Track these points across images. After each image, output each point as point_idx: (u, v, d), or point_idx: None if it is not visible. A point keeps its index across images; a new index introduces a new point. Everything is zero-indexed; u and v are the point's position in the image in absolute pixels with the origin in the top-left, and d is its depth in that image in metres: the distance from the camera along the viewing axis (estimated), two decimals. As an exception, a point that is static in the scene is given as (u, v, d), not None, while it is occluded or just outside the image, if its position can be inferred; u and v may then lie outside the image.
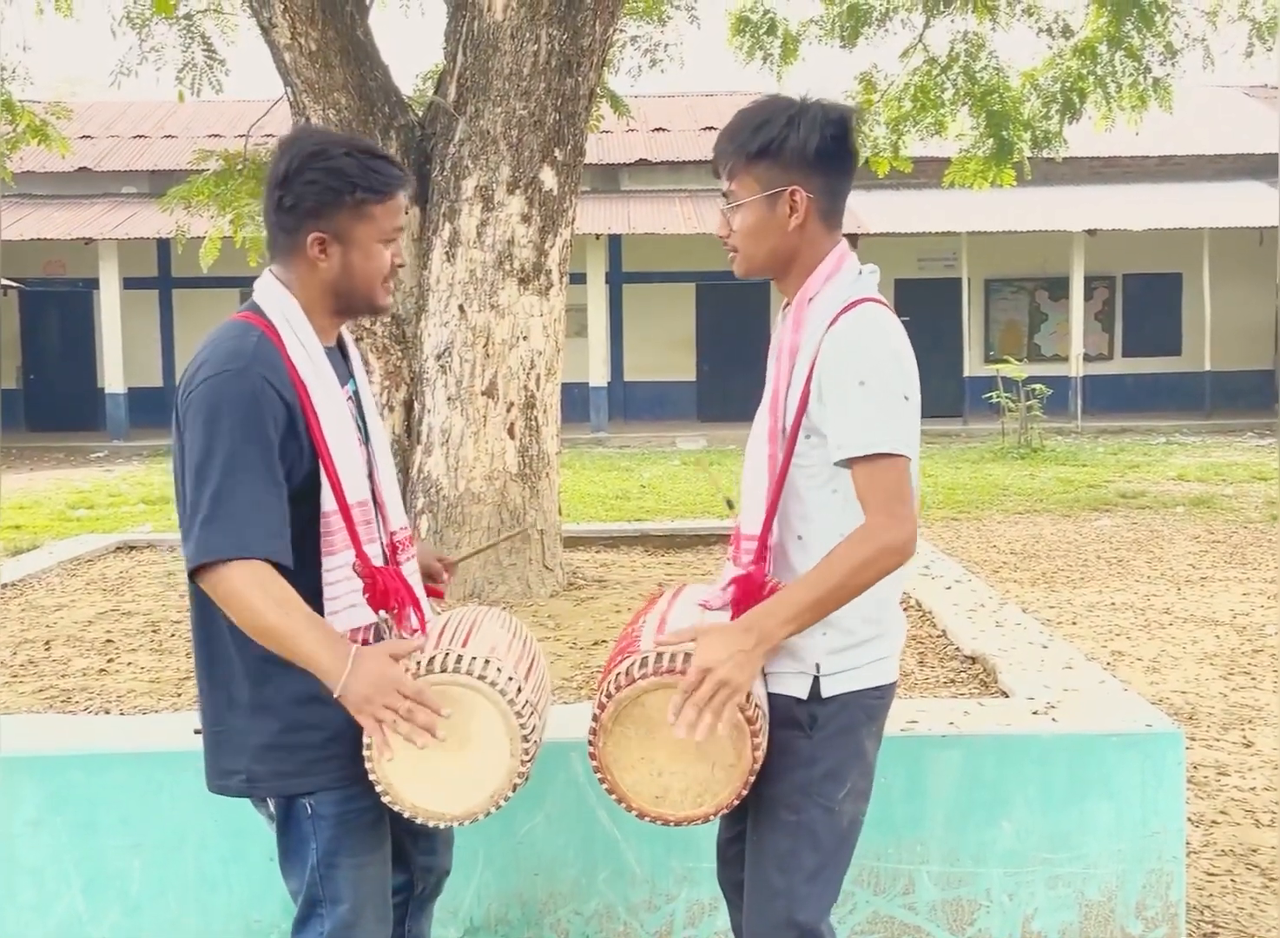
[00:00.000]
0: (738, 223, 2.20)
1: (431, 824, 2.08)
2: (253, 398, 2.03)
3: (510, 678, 2.07)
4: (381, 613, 2.18)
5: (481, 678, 2.03)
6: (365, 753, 2.04)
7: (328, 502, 2.10)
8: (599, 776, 2.07)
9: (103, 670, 4.37)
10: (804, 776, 2.16)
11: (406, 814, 2.06)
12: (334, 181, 2.10)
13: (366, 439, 2.27)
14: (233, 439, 2.01)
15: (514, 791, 2.06)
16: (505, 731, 2.03)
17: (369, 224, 2.14)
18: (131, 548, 6.88)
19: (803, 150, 2.12)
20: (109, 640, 4.79)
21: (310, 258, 2.15)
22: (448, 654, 2.06)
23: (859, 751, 2.21)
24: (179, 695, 4.04)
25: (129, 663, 4.46)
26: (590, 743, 2.07)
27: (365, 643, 2.14)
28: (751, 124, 2.16)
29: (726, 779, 2.07)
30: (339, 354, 2.29)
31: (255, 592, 1.98)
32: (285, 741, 2.13)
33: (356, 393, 2.29)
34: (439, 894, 2.53)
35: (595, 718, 2.06)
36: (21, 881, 3.11)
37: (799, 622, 2.04)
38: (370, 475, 2.25)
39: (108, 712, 3.87)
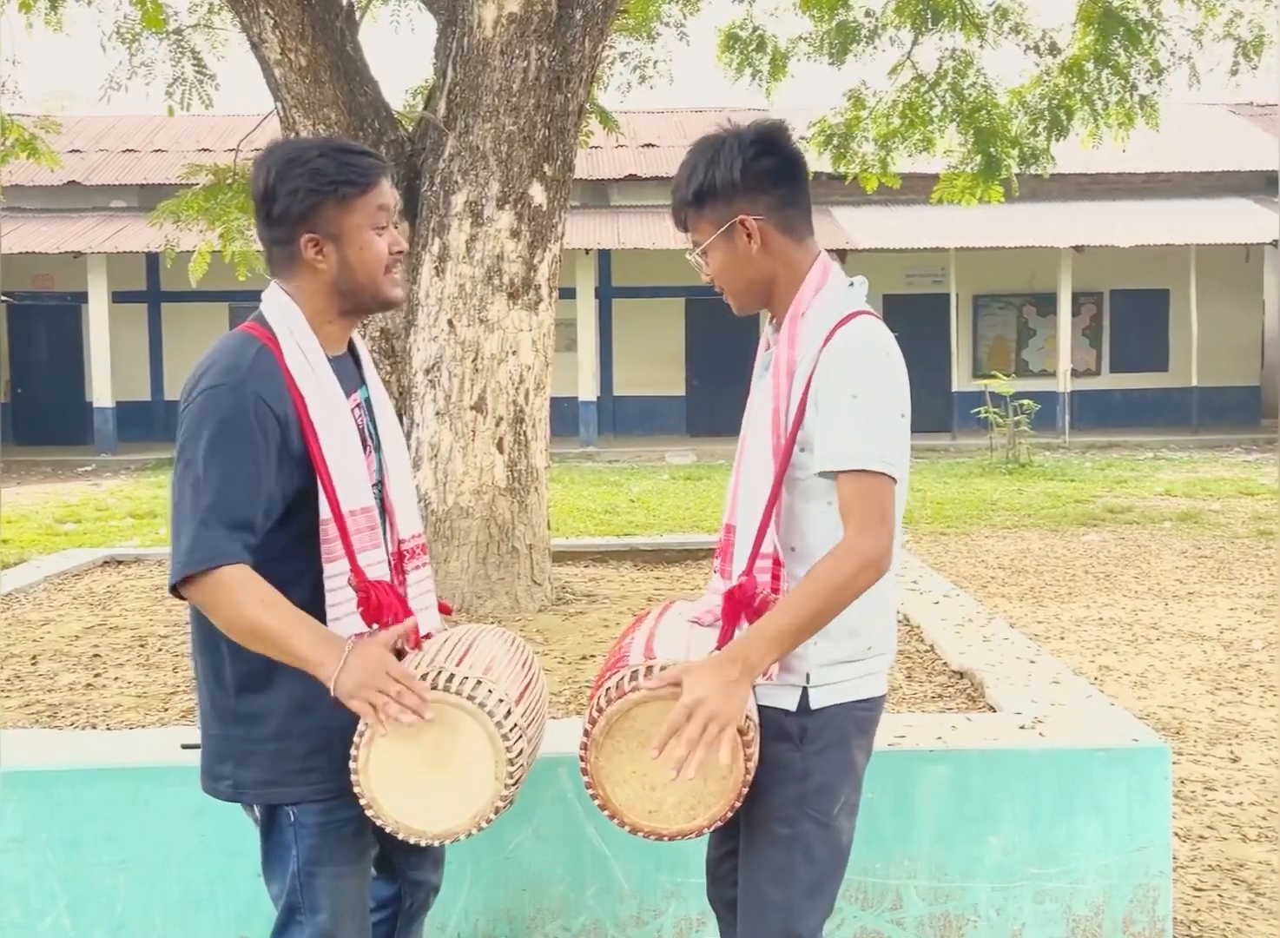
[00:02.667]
0: (711, 267, 2.25)
1: (412, 840, 2.08)
2: (243, 413, 2.05)
3: (500, 700, 2.07)
4: (375, 627, 2.18)
5: (470, 698, 2.03)
6: (351, 766, 2.04)
7: (324, 510, 2.12)
8: (591, 791, 2.07)
9: (89, 685, 4.36)
10: (797, 789, 2.17)
11: (389, 829, 2.06)
12: (315, 183, 2.13)
13: (378, 446, 2.28)
14: (217, 452, 2.04)
15: (497, 814, 2.06)
16: (491, 753, 2.03)
17: (356, 216, 2.16)
18: (119, 562, 6.86)
19: (731, 181, 2.17)
20: (96, 655, 4.77)
21: (308, 262, 2.17)
22: (440, 672, 2.06)
23: (850, 764, 2.21)
24: (166, 710, 4.02)
25: (116, 678, 4.45)
26: (582, 758, 2.06)
27: None
28: (685, 175, 2.23)
29: (719, 792, 2.07)
30: (351, 361, 2.30)
31: (240, 596, 2.01)
32: (270, 749, 2.14)
33: (368, 400, 2.30)
34: (428, 910, 2.52)
35: (586, 733, 2.06)
36: (6, 898, 3.09)
37: (783, 647, 2.05)
38: (381, 482, 2.27)
39: (94, 727, 3.86)
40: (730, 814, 2.09)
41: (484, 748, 2.03)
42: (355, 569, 2.13)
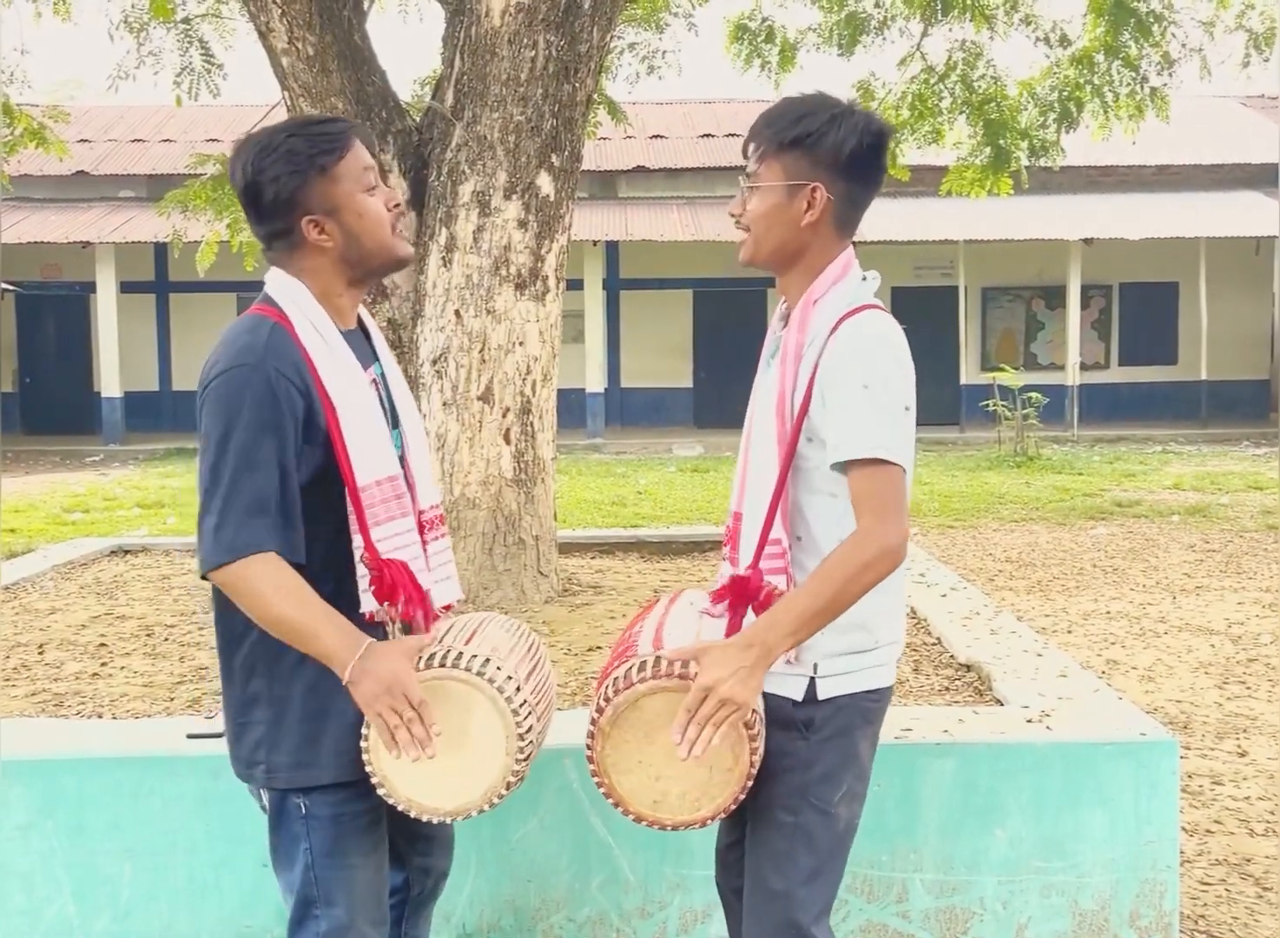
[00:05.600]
0: (753, 205, 2.20)
1: (425, 819, 2.09)
2: (267, 393, 2.04)
3: (510, 677, 2.08)
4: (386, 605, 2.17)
5: (480, 674, 2.04)
6: (362, 745, 2.05)
7: (345, 483, 2.12)
8: (596, 780, 2.07)
9: (96, 674, 4.36)
10: (800, 778, 2.16)
11: (401, 808, 2.07)
12: (293, 165, 2.11)
13: (395, 422, 2.27)
14: (245, 436, 2.03)
15: (509, 789, 2.07)
16: (501, 728, 2.04)
17: (344, 183, 2.15)
18: (126, 552, 6.87)
19: (837, 150, 2.12)
20: (102, 644, 4.78)
21: (313, 243, 2.16)
22: (449, 651, 2.08)
23: (854, 754, 2.21)
24: (172, 700, 4.03)
25: (122, 667, 4.45)
26: (588, 747, 2.07)
27: (379, 623, 2.17)
28: (794, 113, 2.16)
29: (724, 783, 2.07)
30: (362, 336, 2.29)
31: (266, 585, 2.02)
32: (302, 732, 2.14)
33: (383, 375, 2.29)
34: (437, 897, 2.52)
35: (593, 722, 2.06)
36: (11, 885, 3.09)
37: (800, 634, 2.04)
38: (402, 457, 2.26)
39: (100, 716, 3.86)
40: (734, 806, 2.09)
41: (494, 723, 2.04)
42: (368, 546, 2.13)
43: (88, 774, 3.10)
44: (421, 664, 2.06)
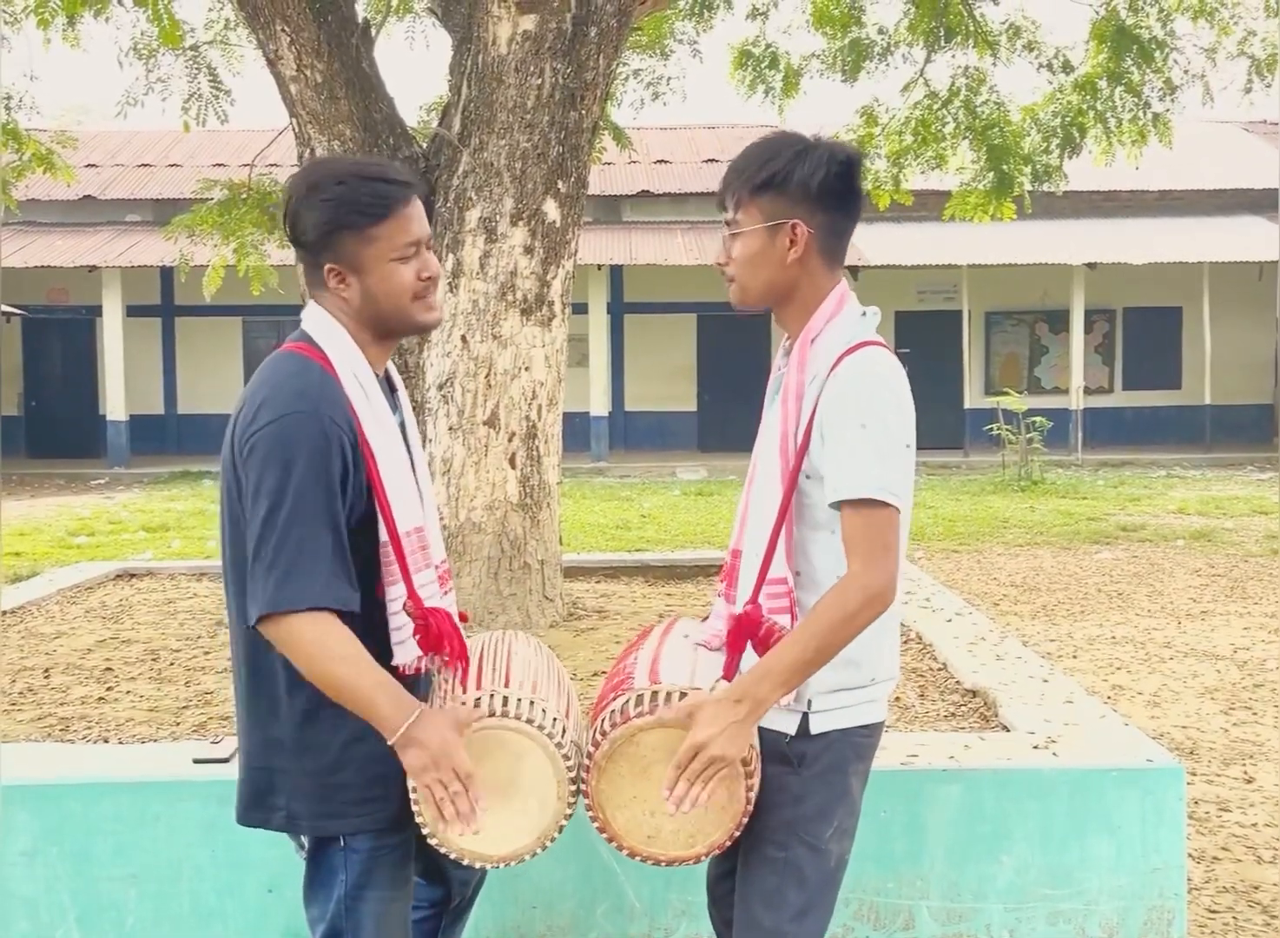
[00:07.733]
0: (737, 251, 2.22)
1: (478, 865, 2.08)
2: (323, 441, 2.02)
3: (555, 718, 2.08)
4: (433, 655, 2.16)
5: (529, 721, 2.04)
6: (412, 796, 2.04)
7: (382, 532, 2.10)
8: (591, 814, 2.07)
9: (101, 699, 4.36)
10: (792, 813, 2.16)
11: (453, 856, 2.06)
12: (331, 214, 2.10)
13: (413, 470, 2.26)
14: (303, 485, 1.99)
15: (560, 831, 2.07)
16: (553, 774, 2.04)
17: (376, 246, 2.12)
18: (131, 576, 6.88)
19: (807, 185, 2.14)
20: (108, 669, 4.78)
21: (334, 290, 2.15)
22: (493, 696, 2.07)
23: (845, 789, 2.20)
24: (178, 724, 4.02)
25: (128, 691, 4.45)
26: (583, 781, 2.07)
27: (417, 672, 2.16)
28: (760, 157, 2.18)
29: (719, 820, 2.07)
30: (386, 385, 2.28)
31: (322, 644, 1.99)
32: (327, 781, 2.11)
33: (403, 424, 2.28)
34: (474, 904, 2.53)
35: (589, 756, 2.06)
36: (16, 911, 3.09)
37: (790, 685, 2.05)
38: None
39: (106, 740, 3.86)
40: (729, 843, 2.10)
41: (546, 770, 2.04)
42: (412, 595, 2.11)
43: (93, 799, 3.10)
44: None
